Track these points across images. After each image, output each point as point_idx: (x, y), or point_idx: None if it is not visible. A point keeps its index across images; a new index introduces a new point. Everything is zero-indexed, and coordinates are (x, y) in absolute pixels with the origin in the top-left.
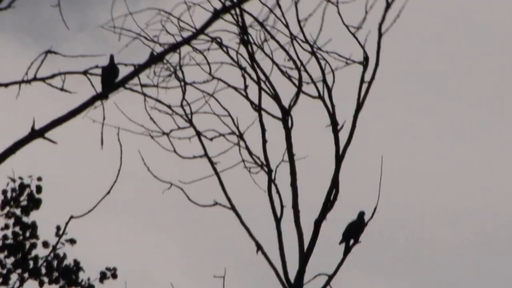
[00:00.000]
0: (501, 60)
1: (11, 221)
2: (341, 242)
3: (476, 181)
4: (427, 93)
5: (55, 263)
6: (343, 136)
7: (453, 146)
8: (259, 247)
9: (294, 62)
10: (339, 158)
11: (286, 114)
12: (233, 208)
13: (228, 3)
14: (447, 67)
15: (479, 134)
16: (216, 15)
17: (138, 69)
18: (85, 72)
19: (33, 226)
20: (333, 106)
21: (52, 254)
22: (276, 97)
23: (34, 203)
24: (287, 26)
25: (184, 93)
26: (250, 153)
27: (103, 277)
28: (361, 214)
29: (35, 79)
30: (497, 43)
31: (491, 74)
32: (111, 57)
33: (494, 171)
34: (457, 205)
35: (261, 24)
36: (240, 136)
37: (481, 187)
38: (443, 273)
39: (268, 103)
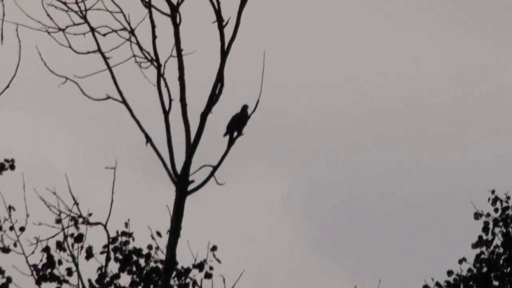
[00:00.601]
0: None
1: None
2: (225, 134)
3: (350, 64)
4: None
5: None
6: (228, 32)
7: (328, 35)
8: (148, 139)
9: None
10: (224, 53)
11: (174, 11)
12: (124, 101)
13: None
14: None
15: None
16: None
17: None
18: None
19: None
20: (218, 2)
21: None
22: None
23: None
24: None
25: None
26: (141, 48)
27: (1, 168)
28: (245, 107)
29: None
30: None
31: None
32: None
33: (364, 54)
34: (333, 93)
35: None
36: (131, 32)
37: (355, 70)
38: (324, 160)
39: (158, 0)
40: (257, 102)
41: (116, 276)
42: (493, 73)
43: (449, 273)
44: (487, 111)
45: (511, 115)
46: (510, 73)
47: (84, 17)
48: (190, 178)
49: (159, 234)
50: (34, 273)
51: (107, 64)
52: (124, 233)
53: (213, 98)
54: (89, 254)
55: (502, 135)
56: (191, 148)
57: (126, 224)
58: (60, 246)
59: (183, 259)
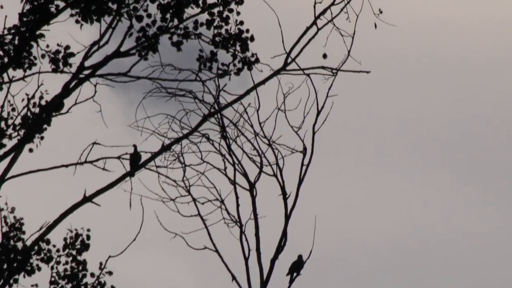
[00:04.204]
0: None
1: (69, 259)
2: (287, 274)
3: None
4: (350, 169)
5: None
6: (290, 202)
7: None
8: (233, 277)
9: (257, 151)
10: (287, 217)
11: (252, 187)
12: (216, 250)
13: (212, 110)
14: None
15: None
16: (205, 118)
17: (154, 155)
18: (118, 157)
19: (84, 263)
20: (283, 181)
21: (96, 282)
22: (245, 175)
23: (85, 246)
24: (252, 126)
25: (184, 172)
26: (228, 213)
27: None
28: (300, 256)
29: (85, 162)
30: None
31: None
32: (135, 147)
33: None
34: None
35: (235, 125)
36: (222, 201)
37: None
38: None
39: (240, 179)
40: (310, 252)
41: None
42: None
43: None
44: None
45: None
46: None
47: (188, 191)
48: None
49: None
50: None
51: (204, 224)
52: None
53: (279, 249)
54: None
55: None
56: (264, 284)
57: None
58: None
59: None
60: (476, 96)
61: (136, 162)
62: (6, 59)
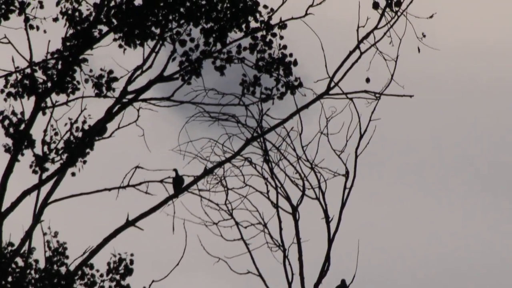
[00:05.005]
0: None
1: (113, 284)
2: None
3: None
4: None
5: None
6: (333, 226)
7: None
8: None
9: (300, 175)
10: (330, 241)
11: (294, 210)
12: (260, 275)
13: (255, 134)
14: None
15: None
16: (247, 142)
17: (196, 179)
18: (161, 181)
19: (127, 287)
20: (326, 204)
21: None
22: (288, 198)
23: (129, 271)
24: (294, 150)
25: (227, 195)
26: (271, 237)
27: None
28: (343, 281)
29: (128, 185)
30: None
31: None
32: (175, 171)
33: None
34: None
35: (277, 149)
36: (265, 225)
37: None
38: None
39: (283, 202)
40: (353, 277)
41: None
42: None
43: None
44: None
45: None
46: None
47: (231, 214)
48: None
49: None
50: None
51: (247, 248)
52: None
53: (323, 273)
54: None
55: None
56: None
57: None
58: None
59: None
60: None
61: (178, 186)
62: (49, 84)
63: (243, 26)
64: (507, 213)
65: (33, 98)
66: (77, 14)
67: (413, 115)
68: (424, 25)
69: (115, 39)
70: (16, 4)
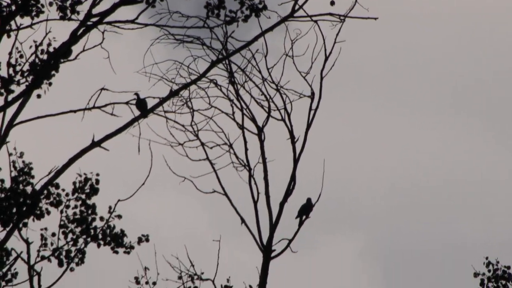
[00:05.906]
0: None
1: (78, 203)
2: (296, 217)
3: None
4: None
5: (108, 231)
6: (298, 146)
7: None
8: (243, 221)
9: (265, 96)
10: (295, 161)
11: (260, 131)
12: (225, 194)
13: (220, 56)
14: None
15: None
16: (213, 64)
17: (162, 101)
18: (127, 103)
19: (93, 207)
20: (291, 125)
21: (106, 225)
22: (253, 119)
23: (94, 191)
24: (260, 72)
25: (192, 116)
26: (237, 157)
27: (139, 240)
28: (309, 199)
29: (94, 107)
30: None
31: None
32: (137, 95)
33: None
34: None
35: (243, 70)
36: (230, 145)
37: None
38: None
39: (248, 124)
40: (319, 195)
41: None
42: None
43: None
44: None
45: None
46: None
47: (196, 135)
48: (273, 248)
49: (251, 287)
50: None
51: (213, 168)
52: (226, 287)
53: (288, 192)
54: None
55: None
56: (273, 227)
57: (228, 280)
58: None
59: None
60: (490, 38)
61: (144, 108)
62: (13, 7)
63: None
64: (476, 132)
65: None
66: None
67: (378, 37)
68: None
69: None
70: None
